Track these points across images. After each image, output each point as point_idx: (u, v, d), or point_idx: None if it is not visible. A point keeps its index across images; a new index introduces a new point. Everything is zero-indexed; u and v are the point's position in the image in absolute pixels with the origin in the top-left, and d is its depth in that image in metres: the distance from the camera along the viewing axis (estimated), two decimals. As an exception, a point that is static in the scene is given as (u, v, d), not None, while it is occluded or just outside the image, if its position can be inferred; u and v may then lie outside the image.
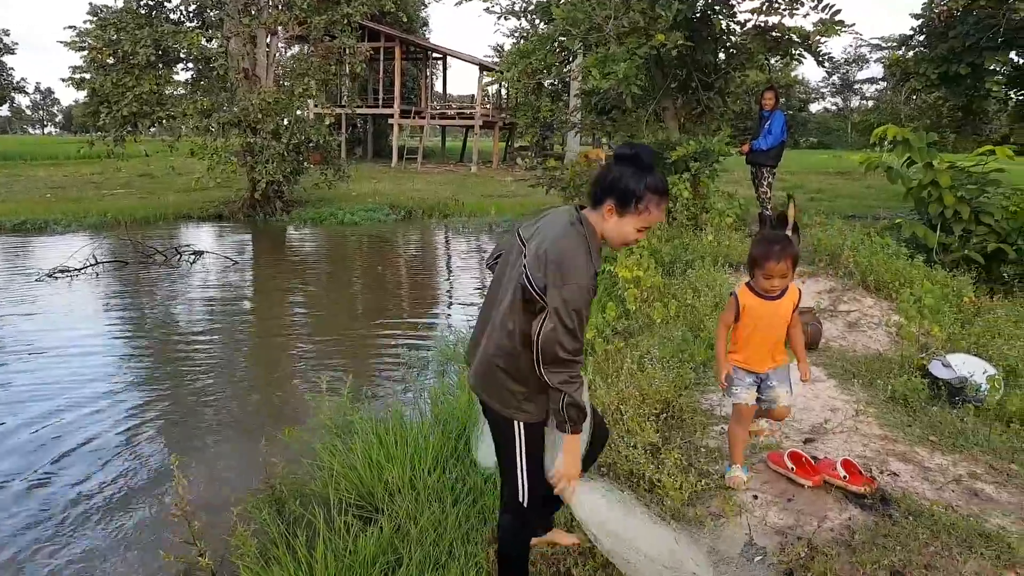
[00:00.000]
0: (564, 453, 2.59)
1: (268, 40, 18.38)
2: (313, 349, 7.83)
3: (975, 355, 5.09)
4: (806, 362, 3.60)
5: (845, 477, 3.50)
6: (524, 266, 2.48)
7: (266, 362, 7.43)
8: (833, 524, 3.27)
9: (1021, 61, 11.40)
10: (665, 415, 4.44)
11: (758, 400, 3.56)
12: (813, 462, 3.66)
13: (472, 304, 9.85)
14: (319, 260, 13.72)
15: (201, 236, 15.47)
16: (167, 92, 18.65)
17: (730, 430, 3.70)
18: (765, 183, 10.57)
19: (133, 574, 3.86)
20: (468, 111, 34.68)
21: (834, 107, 72.98)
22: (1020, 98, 12.72)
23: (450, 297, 10.83)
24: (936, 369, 4.91)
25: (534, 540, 2.94)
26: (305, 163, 18.41)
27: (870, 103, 65.44)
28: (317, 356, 7.52)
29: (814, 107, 70.97)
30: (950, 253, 8.46)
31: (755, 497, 3.48)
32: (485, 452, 2.98)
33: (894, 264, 7.60)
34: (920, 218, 9.29)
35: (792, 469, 3.61)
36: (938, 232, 8.56)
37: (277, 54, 19.03)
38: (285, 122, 17.83)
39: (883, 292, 7.31)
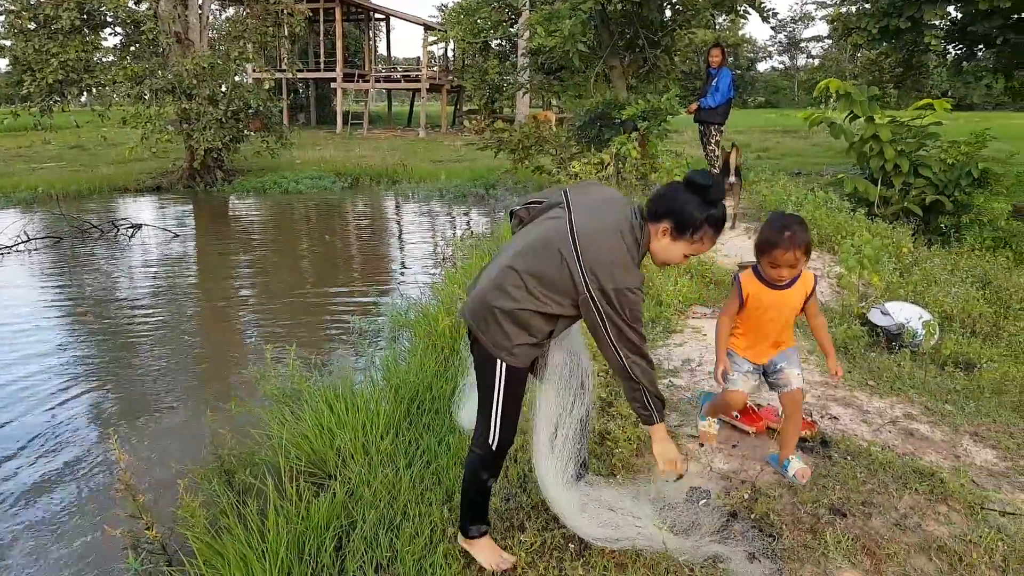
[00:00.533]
0: (656, 443, 2.74)
1: (200, 2, 17.81)
2: (260, 320, 7.73)
3: (912, 303, 5.24)
4: (834, 357, 3.23)
5: (787, 423, 3.59)
6: (573, 237, 2.47)
7: (212, 335, 7.32)
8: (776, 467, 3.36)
9: (959, 15, 11.60)
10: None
11: (770, 387, 3.30)
12: (756, 409, 3.75)
13: (424, 271, 9.81)
14: (264, 230, 13.49)
15: (139, 209, 15.07)
16: (95, 58, 17.91)
17: (715, 406, 3.48)
18: (712, 141, 10.66)
19: (77, 552, 3.79)
20: (414, 74, 34.18)
21: (781, 66, 73.72)
22: (958, 52, 12.96)
23: (402, 264, 10.76)
24: (875, 317, 5.05)
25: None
26: (245, 130, 17.95)
27: (816, 61, 66.19)
28: (265, 327, 7.43)
29: (761, 66, 71.61)
30: (890, 206, 8.67)
31: (701, 445, 3.56)
32: (468, 415, 2.99)
33: (836, 218, 7.77)
34: (862, 173, 9.49)
35: (736, 417, 3.69)
36: (879, 186, 8.76)
37: (211, 16, 18.48)
38: (222, 88, 17.35)
39: (826, 245, 7.47)
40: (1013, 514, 3.00)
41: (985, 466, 3.43)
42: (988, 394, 4.24)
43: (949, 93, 13.52)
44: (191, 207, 15.53)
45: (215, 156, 17.33)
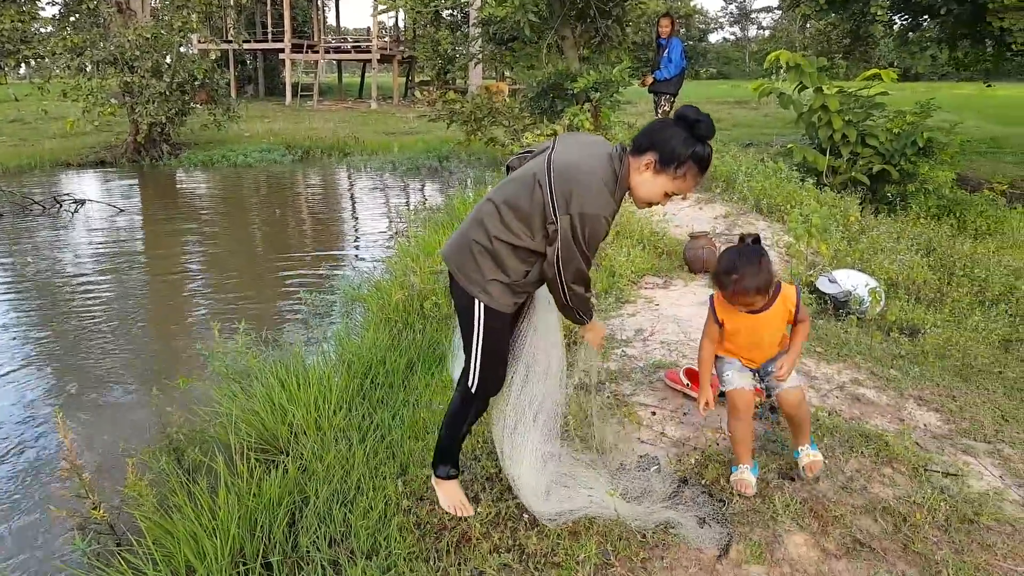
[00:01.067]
0: (586, 332, 2.89)
1: (143, -30, 17.25)
2: (210, 296, 7.59)
3: (859, 270, 5.34)
4: (791, 361, 2.87)
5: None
6: (549, 167, 2.46)
7: (160, 311, 7.17)
8: (726, 434, 3.41)
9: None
10: (567, 341, 4.50)
11: (766, 389, 3.04)
12: (707, 378, 3.79)
13: (378, 244, 9.71)
14: (213, 204, 13.20)
15: (83, 184, 14.62)
16: (32, 29, 17.24)
17: (729, 427, 3.06)
18: (661, 111, 10.73)
19: (21, 534, 3.70)
20: (364, 45, 33.59)
21: (732, 37, 74.04)
22: (904, 23, 13.15)
23: (355, 238, 10.63)
24: (823, 285, 5.14)
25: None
26: (191, 103, 17.49)
27: (767, 32, 66.65)
28: (214, 303, 7.29)
29: (713, 37, 71.85)
30: (838, 175, 8.80)
31: (653, 413, 3.60)
32: (459, 369, 2.98)
33: (786, 188, 7.87)
34: (811, 143, 9.60)
35: (688, 385, 3.73)
36: (827, 156, 8.87)
37: (152, -16, 17.89)
38: (167, 59, 16.85)
39: (775, 215, 7.56)
40: (955, 475, 3.08)
41: (929, 429, 3.53)
42: (932, 359, 4.34)
43: (895, 64, 13.72)
44: (137, 182, 15.12)
45: (160, 130, 16.86)
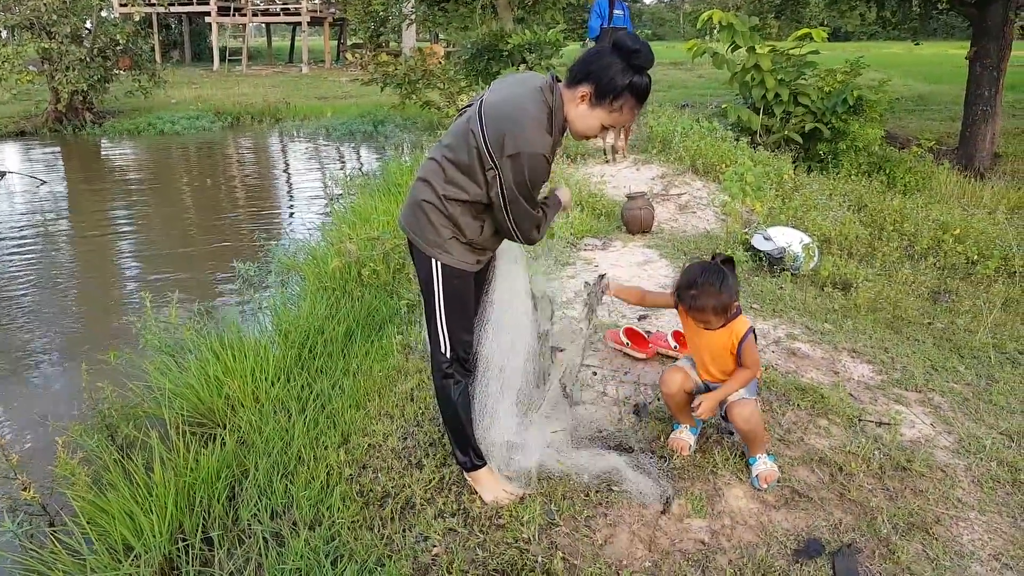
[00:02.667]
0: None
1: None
2: (139, 268, 7.35)
3: (793, 227, 5.43)
4: (711, 398, 2.76)
5: (675, 347, 3.68)
6: (480, 113, 2.36)
7: (88, 284, 6.91)
8: (667, 392, 3.44)
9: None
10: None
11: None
12: (647, 336, 3.82)
13: (313, 212, 9.51)
14: (141, 174, 12.73)
15: (2, 155, 13.96)
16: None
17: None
18: None
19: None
20: (294, 7, 32.62)
21: (666, -2, 74.09)
22: (833, -19, 13.32)
23: (289, 206, 10.39)
24: (758, 242, 5.21)
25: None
26: (113, 69, 16.79)
27: (700, -7, 66.88)
28: (144, 275, 7.07)
29: (647, -1, 71.79)
30: (772, 134, 8.91)
31: (594, 373, 3.61)
32: None
33: (721, 147, 7.93)
34: (745, 102, 9.69)
35: (628, 344, 3.75)
36: (761, 115, 8.97)
37: (71, -55, 16.99)
38: (87, 24, 16.11)
39: (711, 175, 7.63)
40: (888, 424, 3.17)
41: (862, 380, 3.62)
42: (864, 312, 4.45)
43: (825, 23, 13.92)
44: (59, 152, 14.50)
45: (82, 97, 16.17)
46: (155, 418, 3.67)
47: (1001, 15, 10.47)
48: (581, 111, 2.41)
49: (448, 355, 2.61)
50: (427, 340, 2.70)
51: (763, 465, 2.80)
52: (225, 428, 3.46)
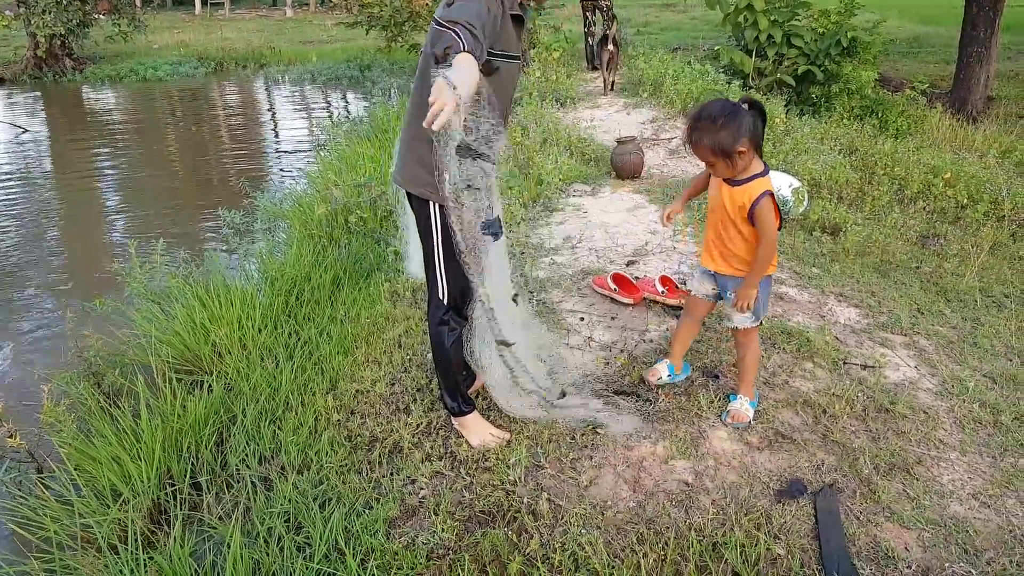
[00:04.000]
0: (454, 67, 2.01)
1: None
2: (125, 216, 7.27)
3: (783, 171, 5.37)
4: (747, 284, 2.65)
5: (663, 292, 3.68)
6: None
7: (72, 232, 6.84)
8: (652, 336, 3.45)
9: None
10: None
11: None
12: (634, 281, 3.81)
13: (299, 159, 9.39)
14: (124, 121, 12.52)
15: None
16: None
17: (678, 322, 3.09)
18: (603, 27, 10.43)
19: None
20: (279, -51, 31.84)
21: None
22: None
23: (275, 153, 10.25)
24: (748, 187, 5.16)
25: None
26: (92, 13, 16.40)
27: (692, -67, 65.39)
28: (130, 223, 7.00)
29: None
30: (765, 77, 8.81)
31: (581, 319, 3.61)
32: (415, 263, 2.80)
33: (713, 91, 7.82)
34: (737, 44, 9.55)
35: (615, 290, 3.74)
36: (753, 57, 8.84)
37: None
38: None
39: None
40: (872, 367, 3.19)
41: (848, 324, 3.63)
42: (852, 256, 4.45)
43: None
44: (41, 99, 14.25)
45: (61, 43, 15.83)
46: (142, 365, 3.65)
47: (999, -47, 10.28)
48: None
49: (446, 301, 2.59)
50: (425, 286, 2.67)
51: (739, 404, 2.82)
52: (212, 375, 3.46)
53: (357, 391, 3.19)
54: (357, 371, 3.34)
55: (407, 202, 2.58)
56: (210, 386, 3.31)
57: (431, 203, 2.45)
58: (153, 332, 3.76)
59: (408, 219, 2.67)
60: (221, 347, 3.70)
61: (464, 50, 2.03)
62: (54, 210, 7.60)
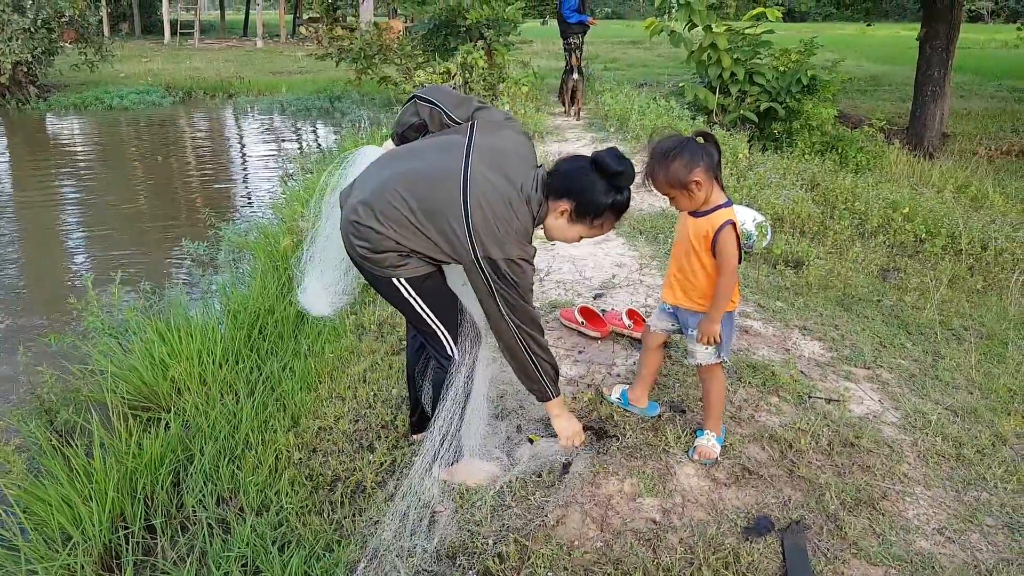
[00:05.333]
0: (555, 419, 2.66)
1: None
2: (85, 247, 7.14)
3: (747, 206, 5.44)
4: (710, 321, 2.65)
5: (630, 325, 3.67)
6: (465, 198, 2.22)
7: (30, 263, 6.70)
8: (620, 370, 3.44)
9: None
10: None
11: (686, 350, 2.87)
12: (601, 315, 3.80)
13: (266, 190, 9.32)
14: (88, 150, 12.36)
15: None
16: None
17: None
18: (574, 56, 10.76)
19: None
20: (248, -19, 31.89)
21: (625, -24, 73.91)
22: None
23: (242, 183, 10.18)
24: (713, 221, 5.21)
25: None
26: (58, 41, 16.27)
27: (658, -29, 66.85)
28: (89, 255, 6.88)
29: (607, -24, 71.60)
30: (728, 113, 8.95)
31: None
32: (310, 297, 2.69)
33: (677, 126, 7.93)
34: (701, 82, 9.71)
35: (583, 323, 3.73)
36: (717, 94, 8.99)
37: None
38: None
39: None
40: (837, 401, 3.20)
41: (812, 357, 3.65)
42: (815, 290, 4.49)
43: (781, 3, 14.01)
44: (2, 126, 14.02)
45: (26, 70, 15.65)
46: (97, 402, 3.56)
47: (951, -3, 10.63)
48: (560, 224, 2.40)
49: (456, 355, 2.53)
50: (427, 346, 2.59)
51: (706, 441, 2.80)
52: (170, 412, 3.37)
53: (320, 428, 3.13)
54: (320, 407, 3.29)
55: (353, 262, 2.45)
56: (167, 424, 3.22)
57: (392, 279, 2.38)
58: (110, 368, 3.67)
59: (321, 247, 2.59)
60: (180, 383, 3.61)
61: (553, 397, 2.60)
62: (9, 240, 7.44)
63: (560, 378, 2.70)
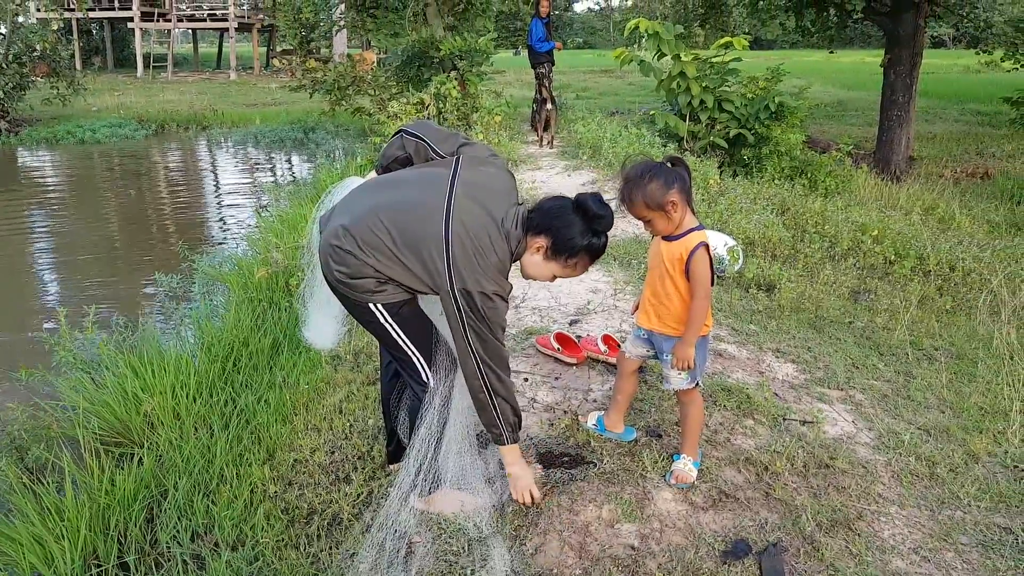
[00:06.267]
0: (508, 466, 2.59)
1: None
2: (57, 281, 7.06)
3: (718, 230, 5.51)
4: (684, 343, 2.66)
5: (605, 351, 3.69)
6: (447, 230, 2.24)
7: (1, 301, 6.60)
8: (596, 395, 3.45)
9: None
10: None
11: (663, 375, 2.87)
12: (577, 341, 3.82)
13: (240, 222, 9.28)
14: (59, 184, 12.25)
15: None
16: None
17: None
18: (547, 81, 11.03)
19: None
20: (221, 12, 31.93)
21: (597, 7, 75.06)
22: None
23: (216, 215, 10.12)
24: (686, 246, 5.26)
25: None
26: (30, 76, 16.19)
27: (629, 2, 67.93)
28: (62, 288, 6.80)
29: (578, 7, 72.78)
30: (699, 140, 9.06)
31: (525, 380, 3.59)
32: (315, 330, 2.73)
33: (649, 153, 8.02)
34: (672, 109, 9.85)
35: (559, 350, 3.75)
36: (687, 121, 9.12)
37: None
38: (1, 29, 15.53)
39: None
40: (811, 422, 3.23)
41: (786, 380, 3.68)
42: (788, 312, 4.54)
43: (748, 32, 14.30)
44: (-30, 161, 13.89)
45: (-4, 105, 15.57)
46: (69, 438, 3.50)
47: (912, 24, 10.88)
48: (535, 260, 2.43)
49: (432, 381, 2.52)
50: (402, 373, 2.59)
51: (683, 465, 2.81)
52: (143, 447, 3.32)
53: (295, 460, 3.11)
54: (296, 439, 3.26)
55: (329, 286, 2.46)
56: (140, 459, 3.18)
57: (370, 304, 2.38)
58: (81, 403, 3.61)
59: (319, 284, 2.60)
60: (153, 417, 3.57)
61: (508, 443, 2.52)
62: (-20, 276, 7.34)
63: (537, 404, 2.70)
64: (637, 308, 2.91)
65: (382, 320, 2.41)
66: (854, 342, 4.19)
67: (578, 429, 3.12)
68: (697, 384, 2.78)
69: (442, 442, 2.58)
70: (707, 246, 2.62)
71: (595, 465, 2.89)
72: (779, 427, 3.20)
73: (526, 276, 2.52)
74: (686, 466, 2.80)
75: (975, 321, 4.60)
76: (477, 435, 2.73)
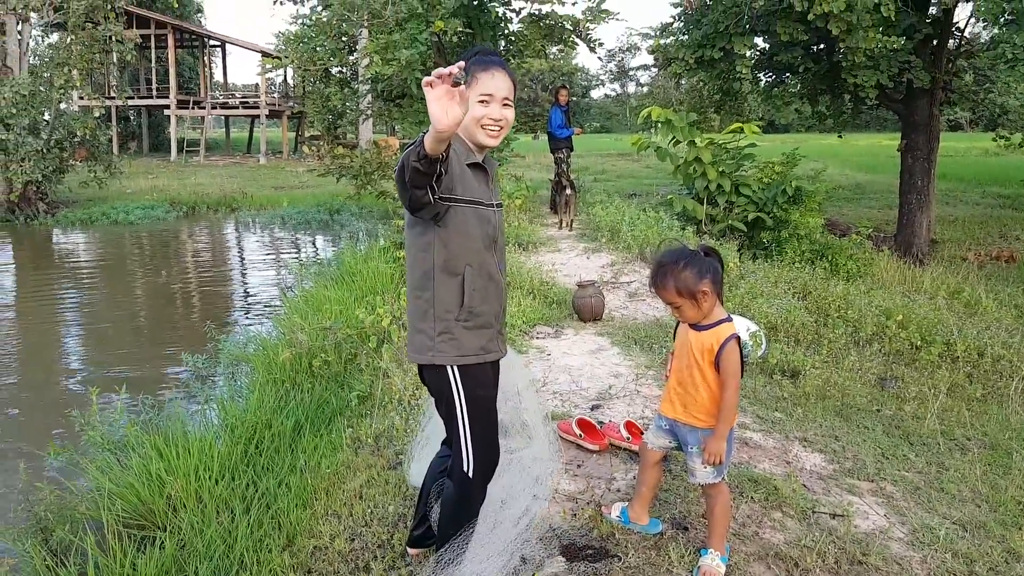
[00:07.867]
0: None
1: (19, 27, 16.55)
2: (87, 360, 7.15)
3: (740, 315, 5.50)
4: (717, 437, 2.66)
5: (628, 438, 3.66)
6: None
7: (32, 376, 6.69)
8: (620, 484, 3.41)
9: (766, 46, 12.52)
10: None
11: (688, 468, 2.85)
12: (599, 427, 3.80)
13: (265, 302, 9.41)
14: (92, 264, 12.54)
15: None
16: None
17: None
18: (565, 164, 11.43)
19: None
20: (253, 101, 33.06)
21: (613, 93, 76.82)
22: (768, 80, 13.98)
23: (243, 295, 10.28)
24: (708, 331, 5.26)
25: None
26: (69, 160, 16.77)
27: (645, 88, 69.47)
28: (91, 368, 6.87)
29: (595, 93, 74.52)
30: (717, 224, 9.15)
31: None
32: (416, 468, 2.82)
33: (668, 236, 8.10)
34: (689, 193, 9.98)
35: (580, 436, 3.72)
36: (705, 205, 9.23)
37: (31, 42, 17.17)
38: (45, 116, 16.16)
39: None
40: (842, 516, 3.16)
41: (815, 470, 3.62)
42: (813, 400, 4.49)
43: (763, 117, 14.56)
44: (9, 241, 14.27)
45: (36, 187, 16.08)
46: (93, 520, 3.50)
47: (927, 110, 11.05)
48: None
49: (471, 475, 2.42)
50: (451, 452, 2.53)
51: (711, 561, 2.73)
52: (166, 530, 3.32)
53: (315, 547, 3.07)
54: (316, 525, 3.23)
55: (420, 376, 2.48)
56: (162, 543, 3.17)
57: (448, 367, 2.36)
58: (107, 484, 3.63)
59: (429, 418, 2.64)
60: (176, 500, 3.57)
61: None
62: (10, 352, 7.45)
63: (559, 493, 2.66)
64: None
65: (454, 388, 2.37)
66: (883, 431, 4.13)
67: (602, 520, 3.08)
68: (723, 478, 2.75)
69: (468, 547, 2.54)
70: (738, 339, 2.64)
71: (620, 559, 2.84)
72: (808, 520, 3.13)
73: (474, 138, 2.42)
74: (714, 561, 2.74)
75: (1008, 410, 4.53)
76: None
